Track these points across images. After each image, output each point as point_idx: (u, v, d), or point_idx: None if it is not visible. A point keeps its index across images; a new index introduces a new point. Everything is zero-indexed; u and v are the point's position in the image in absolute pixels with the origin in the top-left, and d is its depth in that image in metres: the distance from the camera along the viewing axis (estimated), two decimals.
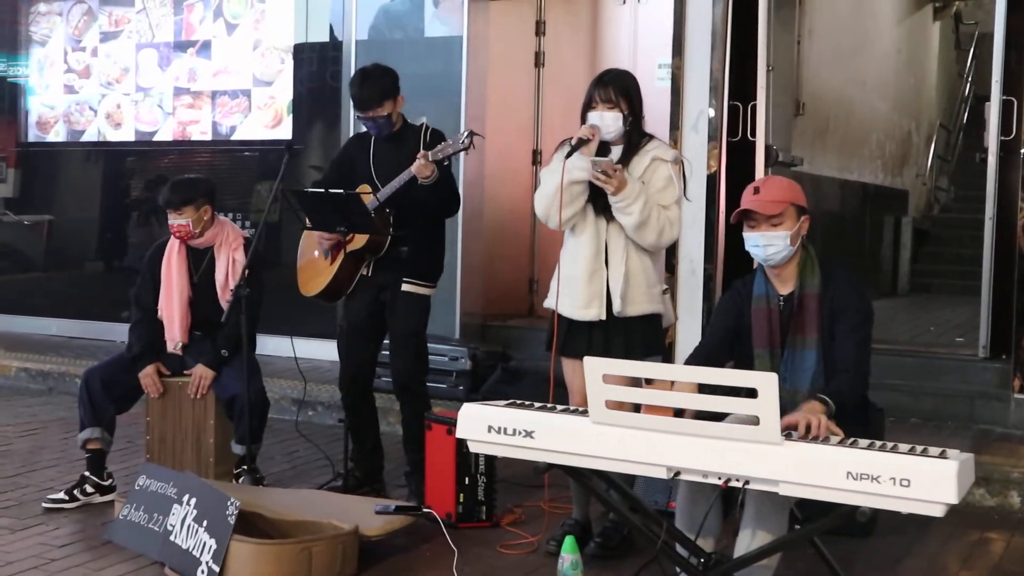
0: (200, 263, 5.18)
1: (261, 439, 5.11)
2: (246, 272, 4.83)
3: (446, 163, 4.69)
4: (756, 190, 3.71)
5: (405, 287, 4.92)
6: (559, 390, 4.36)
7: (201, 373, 5.06)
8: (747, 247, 3.74)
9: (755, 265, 3.85)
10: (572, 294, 4.28)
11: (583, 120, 4.25)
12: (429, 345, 5.15)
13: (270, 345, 6.70)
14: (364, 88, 4.86)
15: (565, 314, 4.30)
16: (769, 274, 3.78)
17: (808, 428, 3.30)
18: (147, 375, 5.08)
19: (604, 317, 4.23)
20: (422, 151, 4.66)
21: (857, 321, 3.67)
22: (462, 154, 4.75)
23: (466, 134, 4.60)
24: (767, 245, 3.67)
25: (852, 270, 3.93)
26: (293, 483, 5.38)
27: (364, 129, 5.12)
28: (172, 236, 5.16)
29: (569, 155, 4.13)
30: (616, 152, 4.25)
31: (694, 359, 3.80)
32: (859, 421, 3.68)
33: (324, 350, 7.22)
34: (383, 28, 7.89)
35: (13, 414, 6.89)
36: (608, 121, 4.19)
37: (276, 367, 7.18)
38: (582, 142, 4.13)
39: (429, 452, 4.79)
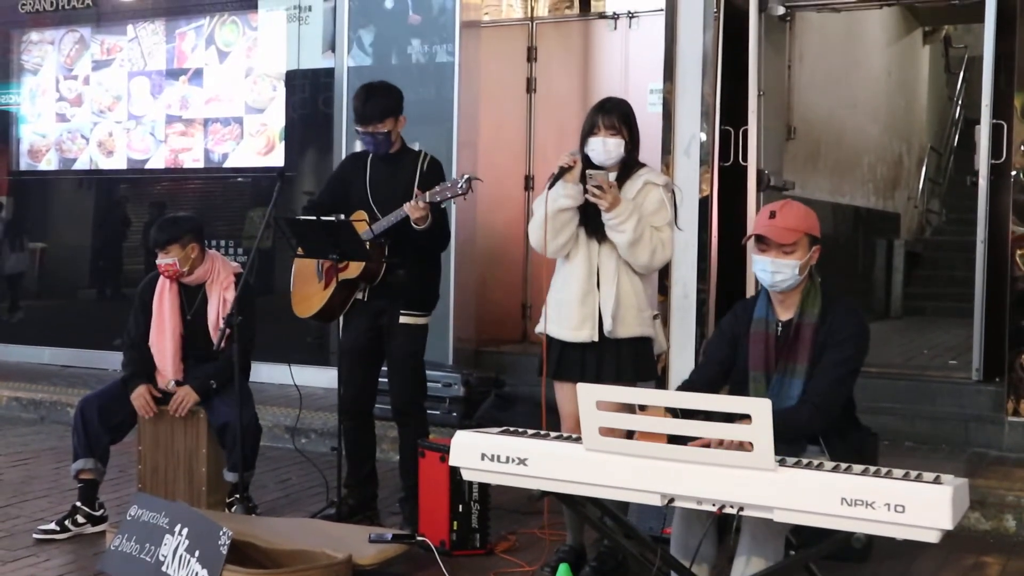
0: (193, 300, 5.16)
1: (254, 466, 5.08)
2: (236, 302, 4.82)
3: (443, 206, 4.68)
4: (772, 214, 3.66)
5: (403, 319, 4.91)
6: (551, 415, 4.34)
7: (185, 393, 5.03)
8: (754, 269, 3.72)
9: (753, 288, 3.84)
10: (565, 316, 4.28)
11: (583, 145, 4.27)
12: None
13: (263, 372, 6.69)
14: (368, 103, 4.85)
15: (558, 336, 4.31)
16: (773, 299, 3.76)
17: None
18: (139, 395, 5.03)
19: (596, 339, 4.24)
20: (417, 191, 4.65)
21: (842, 357, 3.61)
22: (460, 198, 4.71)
23: (464, 179, 4.58)
24: (775, 272, 3.64)
25: (854, 303, 3.87)
26: (286, 511, 5.36)
27: (360, 149, 5.12)
28: (161, 276, 5.15)
29: (551, 185, 4.15)
30: (611, 177, 4.26)
31: (686, 389, 3.79)
32: (853, 445, 3.67)
33: (318, 377, 7.22)
34: (375, 54, 7.92)
35: (4, 444, 6.85)
36: (611, 147, 4.21)
37: (269, 394, 7.17)
38: (564, 170, 4.15)
39: (422, 479, 4.77)
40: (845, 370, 3.62)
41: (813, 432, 3.61)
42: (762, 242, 3.66)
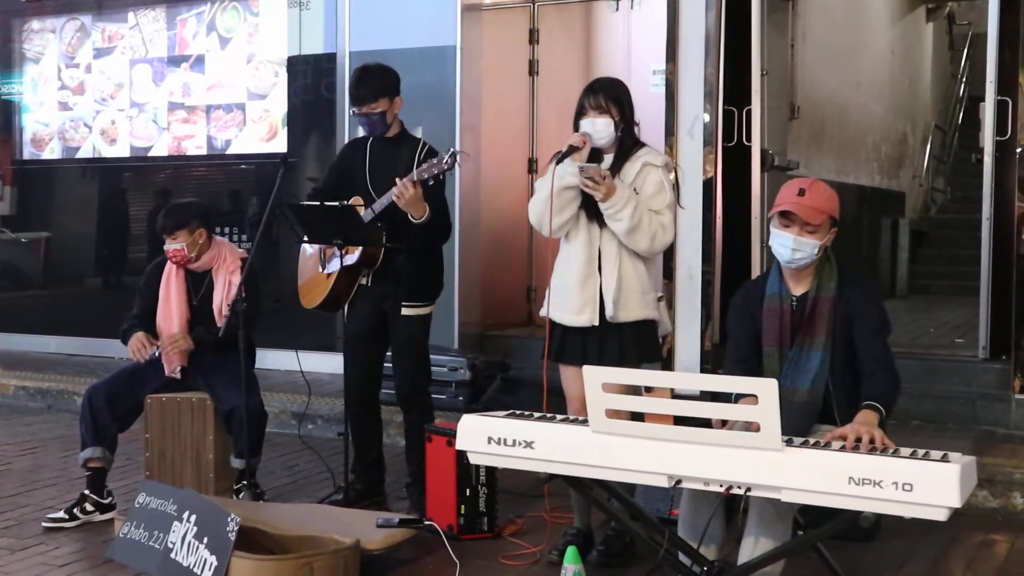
0: (200, 286, 5.17)
1: (260, 453, 5.09)
2: (242, 287, 4.82)
3: (431, 183, 4.68)
4: (801, 192, 3.66)
5: (405, 311, 4.91)
6: (556, 398, 4.34)
7: (181, 338, 5.03)
8: (773, 243, 3.73)
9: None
10: (566, 300, 4.27)
11: (576, 129, 4.25)
12: None
13: (269, 359, 6.70)
14: (361, 84, 4.87)
15: (559, 320, 4.30)
16: (786, 274, 3.77)
17: (858, 440, 3.20)
18: (135, 338, 5.02)
19: (597, 323, 4.23)
20: (408, 175, 4.65)
21: (878, 324, 3.67)
22: (456, 169, 4.74)
23: (449, 153, 4.60)
24: (796, 249, 3.65)
25: (865, 273, 3.90)
26: (294, 497, 5.37)
27: (360, 134, 5.13)
28: (169, 261, 5.15)
29: (559, 162, 4.14)
30: (608, 159, 4.25)
31: (740, 370, 3.78)
32: None
33: (324, 363, 7.22)
34: (377, 38, 7.88)
35: (12, 433, 6.86)
36: (600, 127, 4.20)
37: (275, 380, 7.18)
38: (573, 149, 4.13)
39: (429, 464, 4.78)
40: (885, 335, 3.69)
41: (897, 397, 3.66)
42: (786, 217, 3.66)
